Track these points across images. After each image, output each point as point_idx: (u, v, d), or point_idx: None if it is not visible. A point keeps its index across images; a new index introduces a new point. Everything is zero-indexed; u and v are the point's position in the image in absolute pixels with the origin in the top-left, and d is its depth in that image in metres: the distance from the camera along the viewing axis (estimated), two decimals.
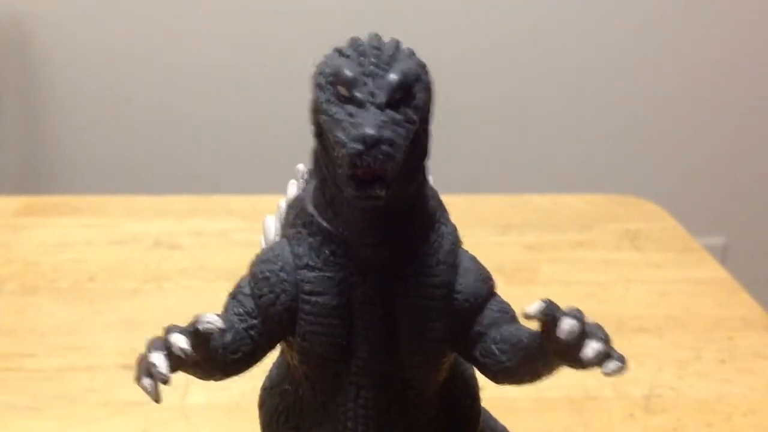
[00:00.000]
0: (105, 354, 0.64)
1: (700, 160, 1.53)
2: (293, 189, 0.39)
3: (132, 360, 0.63)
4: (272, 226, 0.40)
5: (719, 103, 1.50)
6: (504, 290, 0.38)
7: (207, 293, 0.73)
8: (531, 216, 0.90)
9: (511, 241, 0.84)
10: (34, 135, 1.44)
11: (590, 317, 0.31)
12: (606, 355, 0.31)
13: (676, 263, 0.81)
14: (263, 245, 0.40)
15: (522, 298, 0.38)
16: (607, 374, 0.31)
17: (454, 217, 0.38)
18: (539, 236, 0.85)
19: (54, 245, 0.81)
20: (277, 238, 0.39)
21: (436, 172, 0.39)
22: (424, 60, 0.34)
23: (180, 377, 0.36)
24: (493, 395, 0.40)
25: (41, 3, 1.36)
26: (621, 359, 0.31)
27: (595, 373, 0.31)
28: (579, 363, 0.31)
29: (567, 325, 0.31)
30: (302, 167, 0.39)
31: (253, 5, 1.38)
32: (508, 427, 0.44)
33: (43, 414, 0.57)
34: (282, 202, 0.39)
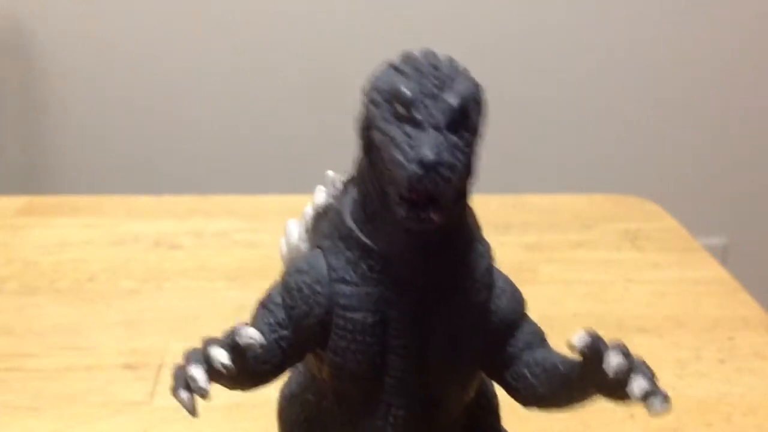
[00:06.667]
0: (105, 354, 0.64)
1: (700, 160, 1.53)
2: (321, 196, 0.38)
3: (132, 359, 0.63)
4: (295, 230, 0.39)
5: (719, 103, 1.50)
6: None
7: (207, 293, 0.73)
8: (531, 216, 0.90)
9: (511, 241, 0.84)
10: (34, 135, 1.44)
11: (636, 354, 0.31)
12: (652, 393, 0.31)
13: (677, 263, 0.81)
14: (283, 249, 0.39)
15: None
16: (653, 413, 0.31)
17: None
18: (539, 236, 0.85)
19: (54, 245, 0.81)
20: (301, 244, 0.39)
21: None
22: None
23: None
24: None
25: (41, 3, 1.36)
26: (666, 397, 0.31)
27: None
28: (623, 398, 0.31)
29: (615, 362, 0.30)
30: (332, 174, 0.38)
31: (255, 6, 1.38)
32: (508, 428, 0.43)
33: (43, 414, 0.57)
34: (308, 208, 0.38)
